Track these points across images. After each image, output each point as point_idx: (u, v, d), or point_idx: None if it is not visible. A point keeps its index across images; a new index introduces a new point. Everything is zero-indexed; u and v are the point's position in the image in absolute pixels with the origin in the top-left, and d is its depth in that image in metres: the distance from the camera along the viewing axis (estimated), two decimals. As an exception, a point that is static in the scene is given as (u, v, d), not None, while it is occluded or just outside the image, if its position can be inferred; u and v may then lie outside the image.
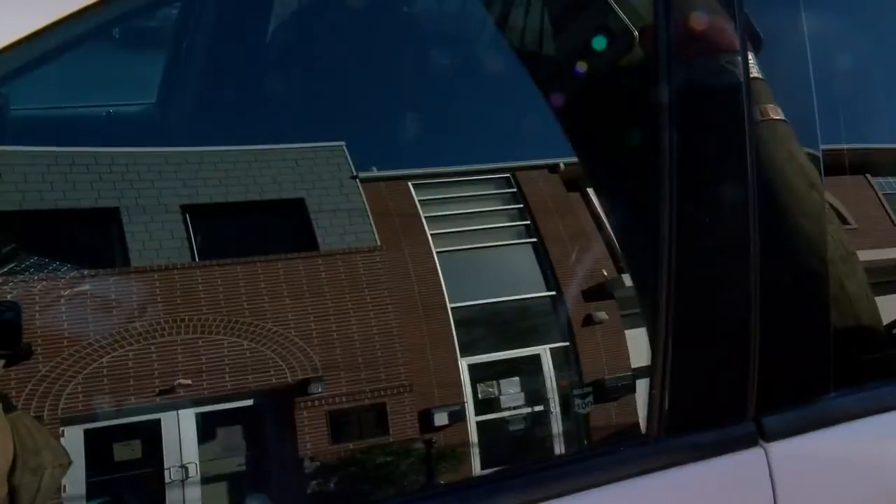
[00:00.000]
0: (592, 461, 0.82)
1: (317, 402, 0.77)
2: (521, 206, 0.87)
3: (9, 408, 0.64)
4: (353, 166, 0.80)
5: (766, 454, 0.85)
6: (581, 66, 0.90)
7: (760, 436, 0.87)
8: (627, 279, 0.88)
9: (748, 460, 0.85)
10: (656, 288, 0.79)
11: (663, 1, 0.78)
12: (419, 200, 0.82)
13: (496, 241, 0.88)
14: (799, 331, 0.90)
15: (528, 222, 0.88)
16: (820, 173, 0.90)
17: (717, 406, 0.85)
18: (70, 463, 0.66)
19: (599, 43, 0.82)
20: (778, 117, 0.88)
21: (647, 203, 0.81)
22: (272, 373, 0.77)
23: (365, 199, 0.80)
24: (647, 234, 0.80)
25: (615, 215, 0.90)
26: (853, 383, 0.92)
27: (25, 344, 0.67)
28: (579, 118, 0.90)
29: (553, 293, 0.86)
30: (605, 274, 0.87)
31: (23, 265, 0.69)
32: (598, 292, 0.86)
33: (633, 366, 0.89)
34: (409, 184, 0.83)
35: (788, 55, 0.90)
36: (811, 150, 0.91)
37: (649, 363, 0.82)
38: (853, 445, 0.90)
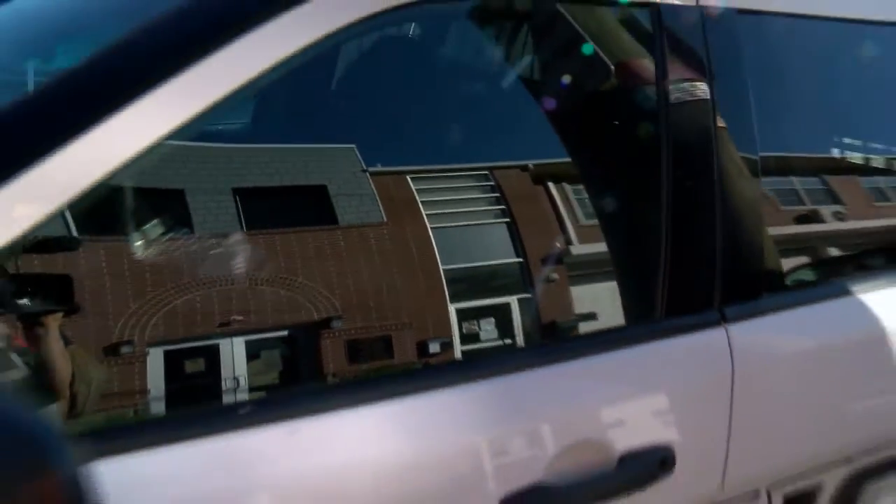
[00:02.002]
0: (611, 334, 1.03)
1: (337, 334, 0.96)
2: (497, 194, 1.13)
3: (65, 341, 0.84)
4: (363, 163, 1.05)
5: (727, 332, 1.06)
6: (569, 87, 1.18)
7: (723, 320, 1.06)
8: (574, 249, 1.10)
9: (714, 336, 1.05)
10: (659, 222, 1.05)
11: (659, 44, 1.09)
12: (416, 189, 1.07)
13: (476, 221, 1.12)
14: (747, 250, 1.12)
15: (503, 207, 1.13)
16: (756, 170, 1.17)
17: (694, 298, 1.06)
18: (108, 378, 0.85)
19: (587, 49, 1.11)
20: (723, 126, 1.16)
21: (650, 176, 1.08)
22: (303, 313, 0.97)
23: (374, 188, 1.05)
24: (652, 191, 1.07)
25: (621, 187, 1.14)
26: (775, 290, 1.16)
27: (76, 303, 0.87)
28: (572, 124, 1.17)
29: (520, 259, 1.08)
30: (559, 245, 1.10)
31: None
32: (553, 259, 1.09)
33: (575, 311, 1.10)
34: (408, 177, 1.08)
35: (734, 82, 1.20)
36: (747, 154, 1.18)
37: (655, 269, 1.04)
38: (786, 327, 1.14)
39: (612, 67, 1.11)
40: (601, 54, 1.08)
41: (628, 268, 1.08)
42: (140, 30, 0.82)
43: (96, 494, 0.57)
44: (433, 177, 1.10)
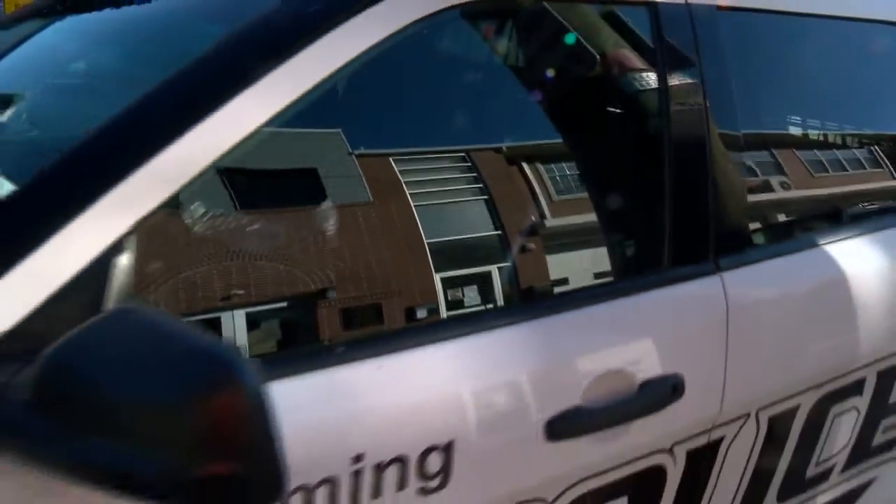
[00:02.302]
0: (628, 282, 1.22)
1: (332, 304, 1.04)
2: (476, 174, 1.27)
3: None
4: (349, 147, 1.16)
5: (721, 279, 1.26)
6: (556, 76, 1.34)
7: (717, 269, 1.26)
8: (550, 223, 1.25)
9: (711, 282, 1.25)
10: (663, 188, 1.23)
11: (657, 37, 1.26)
12: (399, 170, 1.19)
13: (458, 199, 1.26)
14: (735, 210, 1.32)
15: (481, 185, 1.27)
16: (739, 144, 1.35)
17: (693, 251, 1.25)
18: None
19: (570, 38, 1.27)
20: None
21: (656, 149, 1.25)
22: (300, 285, 1.03)
23: (360, 169, 1.17)
24: (657, 162, 1.24)
25: (634, 160, 1.30)
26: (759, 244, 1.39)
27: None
28: (600, 109, 1.32)
29: (499, 232, 1.24)
30: (533, 219, 1.25)
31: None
32: (528, 230, 1.25)
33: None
34: (390, 159, 1.20)
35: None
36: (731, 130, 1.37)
37: (661, 228, 1.23)
38: (769, 274, 1.35)
39: (619, 58, 1.29)
40: (626, 46, 1.27)
41: (641, 227, 1.27)
42: (241, 32, 0.96)
43: (271, 405, 0.72)
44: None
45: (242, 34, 0.97)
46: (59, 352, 0.72)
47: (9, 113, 1.09)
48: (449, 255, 1.11)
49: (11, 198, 0.84)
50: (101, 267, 0.82)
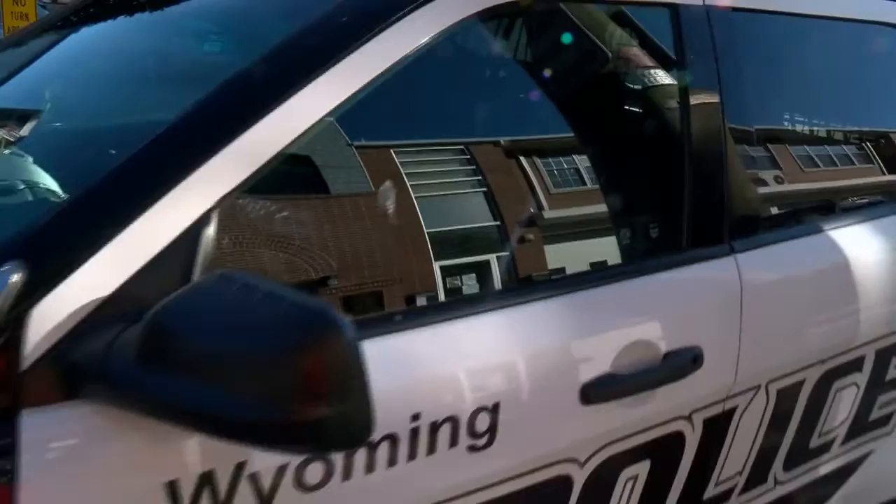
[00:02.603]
0: (654, 261, 1.32)
1: (334, 291, 1.08)
2: (475, 166, 1.35)
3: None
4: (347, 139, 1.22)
5: (735, 260, 1.37)
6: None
7: (731, 251, 1.36)
8: (547, 214, 1.33)
9: (727, 263, 1.35)
10: (683, 180, 1.33)
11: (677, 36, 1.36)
12: (399, 162, 1.26)
13: (458, 190, 1.34)
14: (747, 198, 1.43)
15: (480, 177, 1.35)
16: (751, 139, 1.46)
17: (711, 235, 1.36)
18: None
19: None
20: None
21: (677, 144, 1.34)
22: (302, 273, 1.06)
23: (360, 161, 1.24)
24: (677, 154, 1.34)
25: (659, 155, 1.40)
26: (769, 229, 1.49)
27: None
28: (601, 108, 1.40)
29: (498, 223, 1.32)
30: (532, 210, 1.33)
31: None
32: (526, 222, 1.33)
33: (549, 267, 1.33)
34: (391, 151, 1.27)
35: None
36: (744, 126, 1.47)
37: (681, 214, 1.33)
38: (778, 256, 1.46)
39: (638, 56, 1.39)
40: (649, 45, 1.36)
41: (664, 213, 1.37)
42: (311, 26, 1.05)
43: (364, 355, 0.80)
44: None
45: (307, 36, 1.05)
46: (167, 311, 0.80)
47: (106, 98, 1.17)
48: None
49: (110, 178, 0.92)
50: (189, 238, 0.91)
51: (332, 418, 0.75)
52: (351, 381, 0.75)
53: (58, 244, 0.87)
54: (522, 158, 1.26)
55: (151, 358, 0.80)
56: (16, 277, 0.83)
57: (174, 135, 0.94)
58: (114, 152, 0.94)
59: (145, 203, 0.89)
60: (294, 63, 1.02)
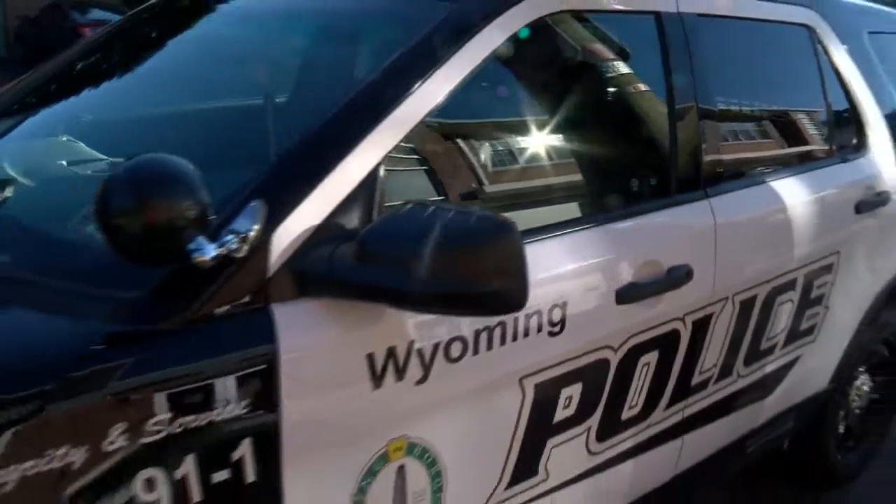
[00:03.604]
0: (654, 202, 1.75)
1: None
2: (543, 135, 1.81)
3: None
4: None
5: (710, 203, 1.82)
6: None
7: (706, 196, 1.83)
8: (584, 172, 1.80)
9: (703, 204, 1.82)
10: (669, 148, 1.78)
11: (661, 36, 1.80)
12: (493, 126, 1.72)
13: (536, 150, 1.78)
14: (718, 155, 1.89)
15: (548, 143, 1.82)
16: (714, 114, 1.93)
17: (691, 183, 1.81)
18: None
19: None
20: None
21: (660, 116, 1.80)
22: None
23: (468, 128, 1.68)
24: (664, 125, 1.82)
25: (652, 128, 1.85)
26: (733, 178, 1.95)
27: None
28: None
29: (556, 177, 1.79)
30: (578, 169, 1.81)
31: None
32: (572, 177, 1.80)
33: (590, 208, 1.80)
34: (492, 120, 1.72)
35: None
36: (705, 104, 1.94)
37: (668, 168, 1.77)
38: (741, 199, 1.95)
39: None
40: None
41: (660, 167, 1.82)
42: (430, 32, 1.43)
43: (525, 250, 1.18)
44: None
45: (428, 39, 1.43)
46: (379, 227, 1.18)
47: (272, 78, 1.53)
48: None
49: (314, 142, 1.28)
50: (368, 181, 1.28)
51: (505, 291, 1.15)
52: (518, 266, 1.15)
53: (285, 188, 1.23)
54: (572, 134, 1.70)
55: (370, 259, 1.16)
56: (261, 211, 1.19)
57: (353, 111, 1.31)
58: (308, 124, 1.30)
59: (339, 158, 1.27)
60: (423, 59, 1.40)
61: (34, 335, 1.08)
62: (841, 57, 2.38)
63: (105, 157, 1.59)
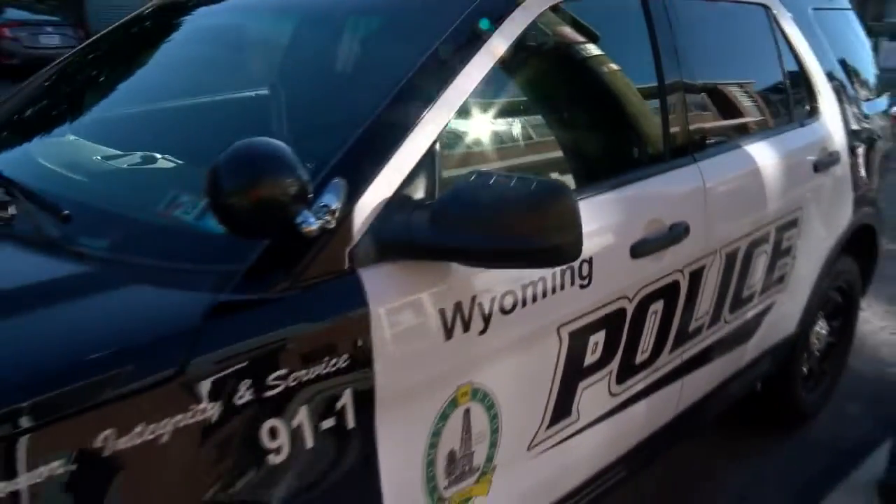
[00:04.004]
0: (655, 167, 1.96)
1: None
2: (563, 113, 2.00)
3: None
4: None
5: (699, 168, 2.05)
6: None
7: (694, 161, 2.05)
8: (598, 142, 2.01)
9: (692, 168, 2.04)
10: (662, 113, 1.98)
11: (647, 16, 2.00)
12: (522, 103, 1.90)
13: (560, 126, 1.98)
14: (702, 125, 2.11)
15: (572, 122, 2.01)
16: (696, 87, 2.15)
17: (680, 150, 2.02)
18: None
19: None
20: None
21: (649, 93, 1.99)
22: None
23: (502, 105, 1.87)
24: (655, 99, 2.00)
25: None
26: (715, 145, 2.17)
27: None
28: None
29: (576, 145, 1.99)
30: (593, 139, 2.00)
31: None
32: (590, 146, 2.00)
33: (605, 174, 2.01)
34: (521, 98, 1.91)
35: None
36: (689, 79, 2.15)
37: (661, 139, 1.98)
38: (723, 162, 2.18)
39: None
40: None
41: (655, 139, 2.02)
42: (459, 26, 1.59)
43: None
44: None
45: (460, 33, 1.58)
46: (451, 195, 1.33)
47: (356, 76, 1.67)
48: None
49: (382, 125, 1.42)
50: (428, 156, 1.44)
51: (563, 245, 1.33)
52: (574, 223, 1.32)
53: (361, 166, 1.37)
54: (582, 111, 1.89)
55: (444, 223, 1.32)
56: (343, 187, 1.33)
57: (411, 95, 1.46)
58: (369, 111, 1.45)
59: (403, 137, 1.42)
60: (460, 50, 1.56)
61: (160, 309, 1.20)
62: (793, 31, 2.64)
63: (123, 152, 1.70)
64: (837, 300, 3.16)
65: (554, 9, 1.76)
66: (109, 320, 1.15)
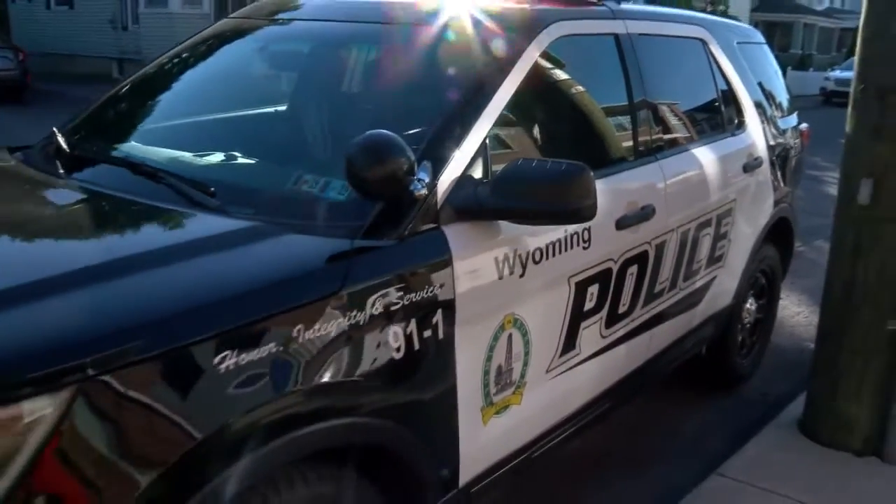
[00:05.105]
0: (629, 163, 2.56)
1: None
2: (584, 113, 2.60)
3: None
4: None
5: (660, 165, 2.71)
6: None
7: (656, 160, 2.69)
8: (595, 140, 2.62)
9: (655, 165, 2.69)
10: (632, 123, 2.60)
11: (620, 52, 2.61)
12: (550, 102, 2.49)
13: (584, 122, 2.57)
14: (662, 136, 2.74)
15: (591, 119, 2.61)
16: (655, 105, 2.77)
17: (646, 151, 2.65)
18: None
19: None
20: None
21: (624, 110, 2.61)
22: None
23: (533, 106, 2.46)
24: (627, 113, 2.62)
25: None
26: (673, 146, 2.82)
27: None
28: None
29: (584, 140, 2.58)
30: (590, 139, 2.61)
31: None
32: (589, 143, 2.61)
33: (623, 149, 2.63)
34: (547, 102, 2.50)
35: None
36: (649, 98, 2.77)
37: (634, 141, 2.59)
38: (681, 160, 2.82)
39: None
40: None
41: (627, 142, 2.63)
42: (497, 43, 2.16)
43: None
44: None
45: (501, 43, 2.16)
46: (506, 173, 1.88)
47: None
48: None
49: (451, 122, 1.97)
50: (482, 148, 2.00)
51: (583, 208, 1.89)
52: (592, 192, 1.89)
53: (440, 154, 1.92)
54: (578, 121, 2.48)
55: (502, 193, 1.87)
56: (429, 167, 1.87)
57: (470, 101, 2.02)
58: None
59: (466, 134, 1.97)
60: (497, 70, 2.13)
61: (320, 248, 1.70)
62: (724, 60, 3.32)
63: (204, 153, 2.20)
64: (762, 282, 3.84)
65: (557, 42, 2.35)
66: (292, 256, 1.66)
